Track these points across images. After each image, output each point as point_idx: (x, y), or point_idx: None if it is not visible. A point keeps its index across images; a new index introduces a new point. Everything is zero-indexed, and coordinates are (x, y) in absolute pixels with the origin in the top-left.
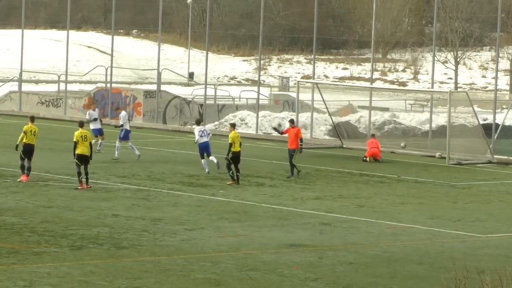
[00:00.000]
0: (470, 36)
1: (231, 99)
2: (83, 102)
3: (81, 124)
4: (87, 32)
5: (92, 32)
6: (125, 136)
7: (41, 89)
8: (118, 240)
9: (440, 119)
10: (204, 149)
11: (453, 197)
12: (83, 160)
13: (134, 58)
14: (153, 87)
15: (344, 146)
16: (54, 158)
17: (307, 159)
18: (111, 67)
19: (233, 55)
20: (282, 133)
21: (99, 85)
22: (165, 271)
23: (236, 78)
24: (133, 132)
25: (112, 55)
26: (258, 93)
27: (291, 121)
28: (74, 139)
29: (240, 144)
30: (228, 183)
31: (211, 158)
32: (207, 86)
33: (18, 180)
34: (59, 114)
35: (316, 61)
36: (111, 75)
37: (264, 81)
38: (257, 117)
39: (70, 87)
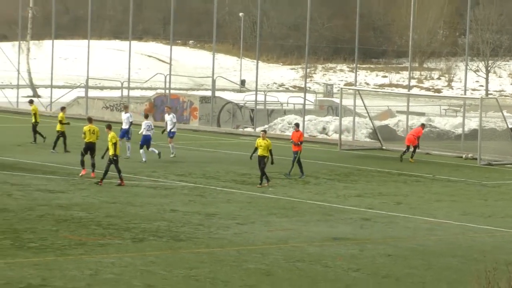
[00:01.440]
0: (500, 47)
1: (280, 104)
2: (144, 107)
3: (90, 120)
4: (147, 43)
5: (152, 42)
6: (122, 135)
7: (105, 95)
8: (176, 233)
9: (472, 123)
10: (147, 142)
11: (484, 195)
12: (89, 148)
13: (191, 67)
14: (208, 93)
15: (383, 147)
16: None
17: (349, 159)
18: (170, 74)
19: (281, 64)
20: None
21: (158, 91)
22: (219, 261)
23: (284, 85)
24: (189, 134)
25: (170, 64)
26: (305, 98)
27: (296, 125)
28: (82, 133)
29: (271, 151)
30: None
31: (150, 149)
32: (258, 92)
33: (80, 175)
34: (121, 118)
35: (357, 70)
36: (169, 82)
37: (310, 87)
38: (304, 121)
39: (132, 93)
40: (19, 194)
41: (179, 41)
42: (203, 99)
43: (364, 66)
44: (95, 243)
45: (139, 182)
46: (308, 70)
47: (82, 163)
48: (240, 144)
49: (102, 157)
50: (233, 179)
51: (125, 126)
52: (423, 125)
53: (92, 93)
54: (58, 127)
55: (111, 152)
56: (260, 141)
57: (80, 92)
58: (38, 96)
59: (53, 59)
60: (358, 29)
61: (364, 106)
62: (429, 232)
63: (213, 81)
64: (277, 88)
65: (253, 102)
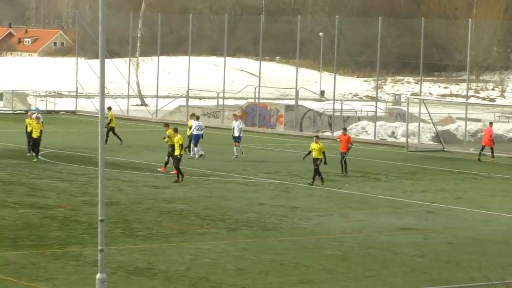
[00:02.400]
0: None
1: (354, 112)
2: (238, 113)
3: (167, 125)
4: (240, 59)
5: (244, 58)
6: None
7: (203, 104)
8: (264, 223)
9: None
10: (197, 139)
11: None
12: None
13: (277, 79)
14: (292, 102)
15: (445, 149)
16: (213, 157)
17: (415, 159)
18: (259, 86)
19: (355, 76)
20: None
21: (249, 100)
22: (301, 248)
23: (358, 95)
24: (275, 138)
25: (259, 77)
26: (376, 107)
27: (344, 129)
28: (167, 137)
29: (324, 153)
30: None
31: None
32: (335, 101)
33: (159, 169)
34: (217, 124)
35: (422, 82)
36: (259, 92)
37: (380, 97)
38: (375, 126)
39: (227, 102)
40: (129, 190)
41: (267, 57)
42: (288, 107)
43: (428, 78)
44: (194, 232)
45: (232, 179)
46: (379, 82)
47: (166, 164)
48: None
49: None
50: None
51: (197, 132)
52: (491, 124)
53: (192, 102)
54: (188, 132)
55: (177, 152)
56: (313, 145)
57: (182, 101)
58: (146, 105)
59: (158, 73)
60: (423, 46)
61: (428, 113)
62: (485, 223)
63: (297, 92)
64: (352, 97)
65: (331, 110)
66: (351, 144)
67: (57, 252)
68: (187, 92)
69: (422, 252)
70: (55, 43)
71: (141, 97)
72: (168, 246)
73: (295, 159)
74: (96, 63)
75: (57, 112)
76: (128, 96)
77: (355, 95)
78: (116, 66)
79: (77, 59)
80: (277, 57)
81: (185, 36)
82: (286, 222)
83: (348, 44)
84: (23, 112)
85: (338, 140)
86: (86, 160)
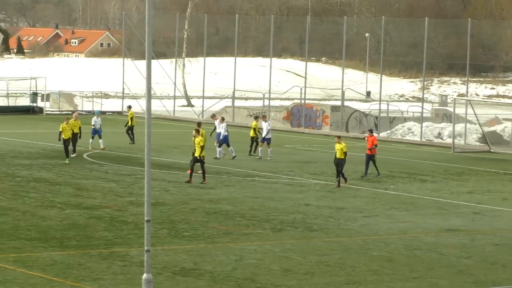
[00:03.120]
0: None
1: (400, 113)
2: (283, 115)
3: (199, 125)
4: (286, 59)
5: (290, 59)
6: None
7: (249, 104)
8: (310, 224)
9: None
10: (226, 140)
11: None
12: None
13: (323, 80)
14: (338, 103)
15: (491, 150)
16: (258, 159)
17: (461, 160)
18: (305, 87)
19: (402, 77)
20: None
21: (295, 101)
22: (347, 249)
23: (404, 95)
24: (321, 138)
25: (305, 78)
26: (422, 107)
27: (370, 131)
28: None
29: (345, 153)
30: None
31: (230, 148)
32: (381, 102)
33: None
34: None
35: (468, 82)
36: (304, 93)
37: (427, 98)
38: (421, 127)
39: (272, 102)
40: (175, 190)
41: (313, 58)
42: (334, 108)
43: (474, 79)
44: (240, 233)
45: (278, 180)
46: (425, 82)
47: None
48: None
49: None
50: (359, 177)
51: (224, 132)
52: None
53: (237, 103)
54: (252, 133)
55: (197, 153)
56: (336, 146)
57: (228, 102)
58: (192, 106)
59: (204, 74)
60: (469, 47)
61: (475, 114)
62: None
63: (343, 92)
64: (398, 98)
65: (377, 111)
66: (375, 145)
67: (103, 252)
68: (233, 93)
69: (468, 254)
70: (101, 44)
71: (187, 98)
72: (214, 247)
73: None
74: (142, 64)
75: (104, 113)
76: (175, 97)
77: (401, 96)
78: (163, 67)
79: (123, 60)
80: (323, 58)
81: (231, 37)
82: (332, 223)
83: (394, 44)
84: (69, 112)
85: (365, 140)
86: (132, 160)
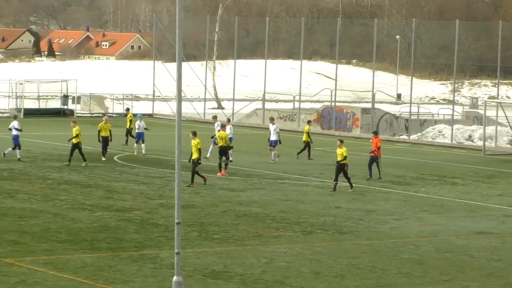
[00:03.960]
0: None
1: (431, 115)
2: (313, 117)
3: (224, 126)
4: (316, 62)
5: (320, 61)
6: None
7: (279, 107)
8: (340, 227)
9: None
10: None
11: None
12: (222, 152)
13: (353, 82)
14: (368, 105)
15: None
16: (289, 161)
17: (492, 163)
18: (335, 89)
19: (432, 79)
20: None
21: (325, 103)
22: (377, 252)
23: (435, 98)
24: (351, 141)
25: (336, 80)
26: (453, 110)
27: (374, 133)
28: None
29: (345, 157)
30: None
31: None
32: (412, 104)
33: (217, 174)
34: (293, 127)
35: (500, 85)
36: (335, 95)
37: (457, 100)
38: (452, 129)
39: (303, 105)
40: (205, 193)
41: (344, 60)
42: (364, 111)
43: (505, 81)
44: (270, 235)
45: (308, 183)
46: (456, 85)
47: (220, 166)
48: (396, 150)
49: (189, 161)
50: (390, 180)
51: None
52: None
53: (268, 105)
54: (305, 137)
55: (195, 156)
56: (338, 150)
57: (258, 105)
58: (222, 108)
59: (235, 76)
60: (500, 49)
61: (506, 116)
62: None
63: (373, 95)
64: (429, 100)
65: (408, 113)
66: (378, 147)
67: (133, 254)
68: (263, 95)
69: (499, 256)
70: (132, 47)
71: (218, 100)
72: (244, 249)
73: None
74: (173, 66)
75: (134, 115)
76: (205, 99)
77: (432, 98)
78: (193, 69)
79: (154, 62)
80: (354, 60)
81: (261, 39)
82: (362, 225)
83: (425, 47)
84: (100, 115)
85: (370, 142)
86: (163, 163)
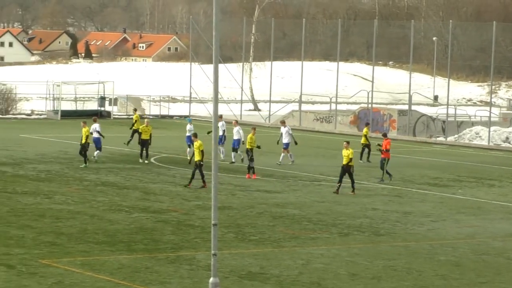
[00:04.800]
0: None
1: (468, 117)
2: (350, 119)
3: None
4: (353, 63)
5: (357, 63)
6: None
7: (316, 109)
8: (377, 228)
9: None
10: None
11: None
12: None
13: (390, 84)
14: (405, 107)
15: None
16: (325, 163)
17: None
18: (372, 91)
19: (469, 81)
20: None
21: (362, 105)
22: (414, 254)
23: (472, 100)
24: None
25: (373, 82)
26: (490, 112)
27: (384, 135)
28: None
29: (351, 159)
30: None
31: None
32: (449, 106)
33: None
34: (330, 129)
35: None
36: (372, 97)
37: (494, 102)
38: (489, 131)
39: (339, 107)
40: (241, 194)
41: (380, 62)
42: (401, 112)
43: None
44: (307, 237)
45: (344, 184)
46: (493, 86)
47: (249, 168)
48: (432, 152)
49: (189, 163)
50: (426, 182)
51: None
52: None
53: (304, 107)
54: (363, 140)
55: (197, 158)
56: (343, 152)
57: (294, 106)
58: (259, 110)
59: (271, 78)
60: None
61: None
62: None
63: (410, 97)
64: (466, 102)
65: (445, 115)
66: (387, 149)
67: (170, 256)
68: (300, 97)
69: None
70: (169, 48)
71: (254, 102)
72: (281, 251)
73: (408, 164)
74: (209, 68)
75: (171, 117)
76: (241, 101)
77: (469, 100)
78: (229, 71)
79: (190, 64)
80: (390, 62)
81: (298, 41)
82: (399, 227)
83: (462, 48)
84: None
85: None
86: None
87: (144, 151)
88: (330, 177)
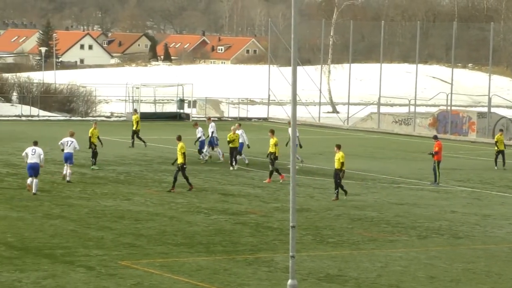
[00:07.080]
0: None
1: None
2: (429, 121)
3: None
4: (432, 66)
5: (436, 65)
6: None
7: (395, 111)
8: (455, 231)
9: None
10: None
11: None
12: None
13: (469, 86)
14: (485, 109)
15: None
16: (405, 165)
17: None
18: (451, 93)
19: None
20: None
21: (441, 107)
22: (493, 257)
23: None
24: (467, 145)
25: (452, 84)
26: None
27: (435, 137)
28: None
29: (342, 164)
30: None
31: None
32: None
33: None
34: (409, 131)
35: None
36: (451, 100)
37: None
38: None
39: (418, 109)
40: (320, 196)
41: (459, 64)
42: (480, 115)
43: None
44: (385, 239)
45: (423, 187)
46: None
47: (278, 171)
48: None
49: (172, 164)
50: (506, 184)
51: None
52: None
53: (383, 109)
54: (501, 146)
55: (180, 160)
56: (335, 155)
57: (373, 109)
58: (337, 112)
59: (350, 80)
60: None
61: None
62: None
63: (489, 99)
64: None
65: None
66: (436, 152)
67: (248, 258)
68: (379, 99)
69: None
70: (247, 51)
71: (333, 104)
72: (359, 253)
73: (488, 166)
74: (288, 70)
75: (250, 119)
76: (320, 103)
77: None
78: (308, 74)
79: (269, 66)
80: (470, 64)
81: (376, 43)
82: (478, 230)
83: None
84: (215, 119)
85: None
86: (278, 166)
87: (234, 157)
88: (409, 179)
